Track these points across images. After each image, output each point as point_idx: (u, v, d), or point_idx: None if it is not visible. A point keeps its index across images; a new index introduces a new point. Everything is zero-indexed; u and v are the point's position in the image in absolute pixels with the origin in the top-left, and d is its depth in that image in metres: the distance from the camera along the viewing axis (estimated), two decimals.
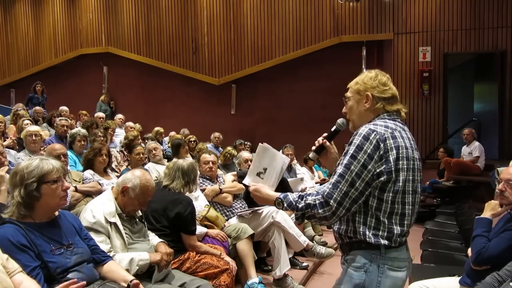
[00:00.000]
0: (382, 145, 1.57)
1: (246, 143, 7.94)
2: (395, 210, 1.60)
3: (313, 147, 1.89)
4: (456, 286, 2.51)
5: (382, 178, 1.57)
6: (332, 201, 1.56)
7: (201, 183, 4.00)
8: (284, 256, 3.68)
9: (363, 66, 8.74)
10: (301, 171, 6.47)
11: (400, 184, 1.59)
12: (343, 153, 1.64)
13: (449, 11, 8.40)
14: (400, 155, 1.59)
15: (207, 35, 10.01)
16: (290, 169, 6.13)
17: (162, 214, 2.99)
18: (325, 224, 1.76)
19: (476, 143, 7.11)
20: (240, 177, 4.33)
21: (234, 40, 9.81)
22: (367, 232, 1.61)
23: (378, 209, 1.60)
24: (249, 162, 5.23)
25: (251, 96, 9.79)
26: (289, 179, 5.20)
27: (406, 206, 1.62)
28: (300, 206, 1.62)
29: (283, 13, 9.41)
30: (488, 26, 8.22)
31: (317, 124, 8.88)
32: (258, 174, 1.85)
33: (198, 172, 4.29)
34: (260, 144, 1.89)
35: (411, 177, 1.63)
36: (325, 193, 1.58)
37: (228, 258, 3.12)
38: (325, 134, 1.88)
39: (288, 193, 1.69)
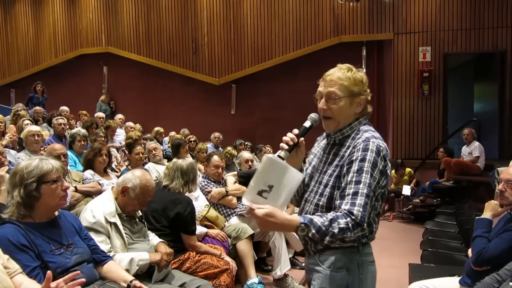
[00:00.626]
0: (387, 160, 1.60)
1: (246, 143, 7.94)
2: (377, 211, 1.65)
3: (285, 146, 1.65)
4: (456, 286, 2.51)
5: (382, 190, 1.61)
6: (365, 225, 1.51)
7: (206, 184, 4.00)
8: (284, 256, 3.68)
9: (363, 66, 8.74)
10: None
11: (382, 190, 1.63)
12: (352, 168, 1.55)
13: (449, 11, 8.40)
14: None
15: (207, 35, 10.01)
16: None
17: (162, 214, 2.99)
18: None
19: (476, 143, 7.11)
20: (241, 177, 4.34)
21: (234, 40, 9.81)
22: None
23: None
24: (250, 162, 5.23)
25: (251, 96, 9.79)
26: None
27: (378, 204, 1.64)
28: (336, 231, 1.47)
29: (283, 13, 9.41)
30: (488, 26, 8.22)
31: (317, 124, 8.89)
32: (260, 193, 1.48)
33: (200, 173, 4.30)
34: (266, 155, 1.60)
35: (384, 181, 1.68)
36: (359, 217, 1.48)
37: (228, 258, 3.12)
38: (295, 131, 1.69)
39: (309, 216, 1.50)
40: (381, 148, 1.58)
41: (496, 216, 2.52)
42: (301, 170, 1.72)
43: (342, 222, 1.48)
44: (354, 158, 1.56)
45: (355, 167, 1.55)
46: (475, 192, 6.72)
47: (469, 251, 2.52)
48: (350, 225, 1.48)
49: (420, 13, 8.55)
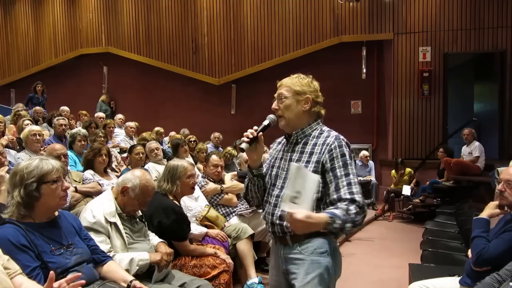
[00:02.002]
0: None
1: None
2: None
3: (245, 139, 1.93)
4: (456, 286, 2.51)
5: None
6: (363, 203, 1.75)
7: (204, 184, 3.99)
8: None
9: (363, 66, 8.75)
10: None
11: None
12: (336, 164, 1.80)
13: (449, 11, 8.40)
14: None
15: (207, 35, 10.01)
16: None
17: (149, 220, 2.85)
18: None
19: (476, 143, 7.11)
20: (241, 177, 4.33)
21: (234, 40, 9.82)
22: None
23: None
24: None
25: (251, 96, 9.78)
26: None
27: None
28: (354, 218, 1.71)
29: (283, 13, 9.42)
30: (488, 26, 8.22)
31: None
32: (293, 200, 1.65)
33: (199, 172, 4.29)
34: (292, 164, 1.77)
35: None
36: (361, 202, 1.74)
37: (223, 256, 3.08)
38: (256, 128, 1.95)
39: (331, 210, 1.72)
40: (347, 142, 1.85)
41: (493, 216, 2.52)
42: (261, 165, 2.00)
43: (352, 208, 1.71)
44: (334, 155, 1.80)
45: (339, 162, 1.79)
46: (475, 192, 6.73)
47: (469, 252, 2.52)
48: (357, 210, 1.71)
49: (420, 13, 8.55)
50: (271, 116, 1.98)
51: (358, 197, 1.74)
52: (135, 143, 5.84)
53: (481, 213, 2.56)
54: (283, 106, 1.93)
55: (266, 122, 1.96)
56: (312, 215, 1.65)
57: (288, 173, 1.82)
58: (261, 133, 1.95)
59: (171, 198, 3.05)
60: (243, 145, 1.92)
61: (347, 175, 1.77)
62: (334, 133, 1.88)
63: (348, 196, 1.73)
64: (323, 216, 1.68)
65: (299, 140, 1.93)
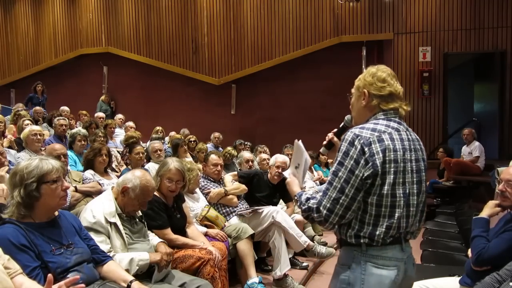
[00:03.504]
0: (367, 149, 1.56)
1: (246, 143, 7.93)
2: (381, 213, 1.59)
3: (324, 142, 1.92)
4: (456, 286, 2.51)
5: (368, 181, 1.56)
6: (321, 208, 1.59)
7: (205, 185, 4.00)
8: (284, 256, 3.68)
9: (363, 66, 8.73)
10: None
11: (386, 187, 1.57)
12: (334, 160, 1.67)
13: (449, 11, 8.40)
14: (387, 158, 1.57)
15: (207, 35, 10.01)
16: None
17: None
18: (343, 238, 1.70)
19: (476, 143, 7.11)
20: (241, 177, 4.33)
21: (234, 40, 9.81)
22: (349, 233, 1.63)
23: (364, 211, 1.60)
24: (250, 162, 5.22)
25: (251, 96, 9.78)
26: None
27: (396, 209, 1.59)
28: (304, 208, 1.66)
29: (283, 13, 9.41)
30: (488, 26, 8.22)
31: (317, 124, 8.87)
32: (296, 168, 1.89)
33: (199, 173, 4.29)
34: (295, 141, 1.92)
35: (401, 180, 1.60)
36: (317, 200, 1.61)
37: (211, 247, 3.00)
38: (334, 130, 1.90)
39: (304, 192, 1.73)
40: (359, 137, 1.57)
41: (493, 215, 2.52)
42: None
43: (311, 202, 1.63)
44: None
45: (336, 158, 1.65)
46: (475, 192, 6.73)
47: (469, 252, 2.52)
48: (314, 206, 1.61)
49: (420, 13, 8.55)
50: (347, 116, 1.88)
51: (320, 195, 1.61)
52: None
53: (481, 212, 2.56)
54: (351, 104, 1.81)
55: (342, 124, 1.90)
56: (290, 185, 1.82)
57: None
58: (337, 137, 1.89)
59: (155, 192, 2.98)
60: (322, 149, 1.95)
61: (333, 172, 1.60)
62: (355, 129, 1.63)
63: (319, 194, 1.63)
64: (296, 191, 1.78)
65: None
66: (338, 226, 1.66)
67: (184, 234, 3.15)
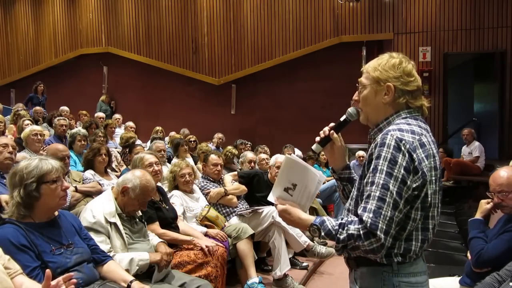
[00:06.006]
0: (414, 155, 1.33)
1: (247, 143, 7.91)
2: (419, 226, 1.39)
3: (317, 138, 1.62)
4: (456, 286, 2.51)
5: (415, 193, 1.35)
6: (379, 233, 1.28)
7: (205, 185, 4.00)
8: (284, 256, 3.68)
9: (363, 66, 8.72)
10: None
11: (429, 199, 1.38)
12: (368, 167, 1.39)
13: (449, 11, 8.40)
14: (431, 165, 1.37)
15: (207, 35, 10.01)
16: None
17: None
18: (372, 258, 1.39)
19: (476, 143, 7.11)
20: (241, 177, 4.33)
21: (234, 40, 9.81)
22: None
23: (402, 228, 1.37)
24: (253, 163, 5.18)
25: (251, 96, 9.78)
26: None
27: (430, 221, 1.41)
28: (342, 237, 1.34)
29: (283, 13, 9.41)
30: (488, 26, 8.22)
31: (317, 124, 8.78)
32: (286, 190, 1.53)
33: (199, 173, 4.29)
34: (287, 155, 1.63)
35: (437, 188, 1.41)
36: (368, 223, 1.29)
37: (201, 242, 3.00)
38: (332, 124, 1.62)
39: (325, 218, 1.41)
40: (403, 142, 1.33)
41: (486, 213, 2.50)
42: (347, 167, 1.66)
43: (352, 228, 1.32)
44: (373, 156, 1.38)
45: (371, 166, 1.36)
46: (475, 192, 6.72)
47: (469, 253, 2.52)
48: (361, 232, 1.30)
49: (420, 13, 8.55)
50: (350, 109, 1.59)
51: (368, 216, 1.30)
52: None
53: (476, 214, 2.56)
54: (361, 97, 1.53)
55: (342, 118, 1.60)
56: (292, 212, 1.48)
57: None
58: (336, 132, 1.60)
59: None
60: (313, 147, 1.61)
61: (372, 184, 1.33)
62: (393, 127, 1.40)
63: (360, 212, 1.33)
64: (308, 219, 1.44)
65: (373, 138, 1.50)
66: None
67: (176, 227, 3.16)
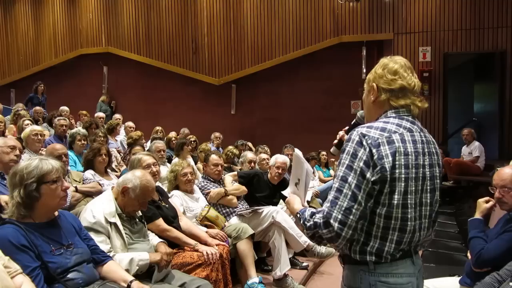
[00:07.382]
0: (375, 151, 1.37)
1: (247, 143, 7.91)
2: (391, 226, 1.41)
3: (335, 141, 1.74)
4: (456, 286, 2.51)
5: (375, 187, 1.37)
6: (332, 221, 1.35)
7: (205, 185, 4.00)
8: (284, 256, 3.68)
9: (363, 66, 8.74)
10: None
11: (397, 196, 1.39)
12: (338, 163, 1.45)
13: (449, 11, 8.40)
14: (397, 163, 1.38)
15: (207, 35, 10.01)
16: (289, 169, 6.12)
17: None
18: (334, 248, 1.51)
19: (476, 143, 7.11)
20: (241, 177, 4.33)
21: (234, 40, 9.81)
22: (354, 246, 1.44)
23: (370, 222, 1.41)
24: (253, 163, 5.20)
25: (251, 96, 9.78)
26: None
27: (408, 222, 1.41)
28: (308, 224, 1.42)
29: (283, 13, 9.41)
30: (488, 26, 8.22)
31: (317, 124, 8.89)
32: (296, 185, 1.68)
33: (199, 174, 4.29)
34: (295, 152, 1.80)
35: (413, 188, 1.41)
36: (325, 212, 1.37)
37: (203, 248, 3.02)
38: (346, 128, 1.73)
39: (308, 208, 1.49)
40: (366, 137, 1.38)
41: (485, 212, 2.52)
42: None
43: (317, 217, 1.39)
44: None
45: (339, 160, 1.45)
46: (475, 192, 6.72)
47: (469, 254, 2.52)
48: (321, 221, 1.37)
49: (420, 13, 8.55)
50: (359, 112, 1.68)
51: (326, 206, 1.38)
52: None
53: (475, 213, 2.57)
54: (362, 100, 1.63)
55: (353, 121, 1.71)
56: (291, 202, 1.60)
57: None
58: (344, 134, 1.70)
59: None
60: (332, 150, 1.75)
61: (341, 178, 1.39)
62: (367, 125, 1.46)
63: (325, 205, 1.40)
64: (296, 208, 1.55)
65: None
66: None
67: (177, 226, 3.16)
